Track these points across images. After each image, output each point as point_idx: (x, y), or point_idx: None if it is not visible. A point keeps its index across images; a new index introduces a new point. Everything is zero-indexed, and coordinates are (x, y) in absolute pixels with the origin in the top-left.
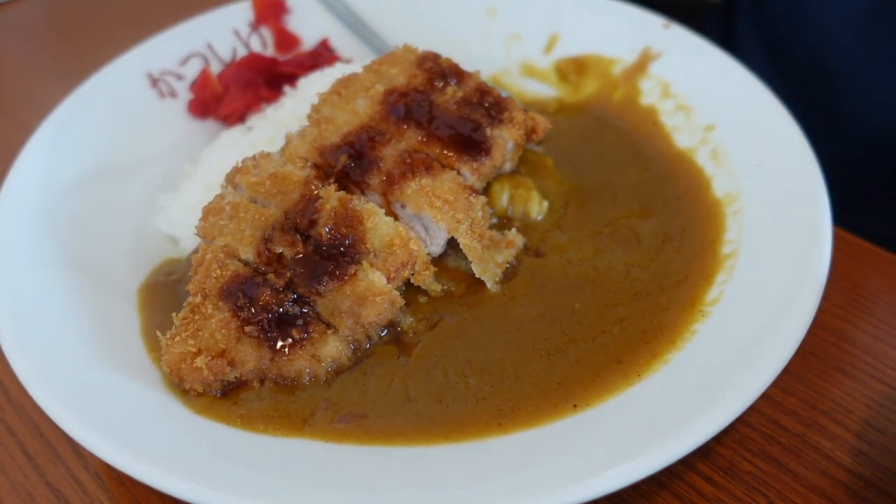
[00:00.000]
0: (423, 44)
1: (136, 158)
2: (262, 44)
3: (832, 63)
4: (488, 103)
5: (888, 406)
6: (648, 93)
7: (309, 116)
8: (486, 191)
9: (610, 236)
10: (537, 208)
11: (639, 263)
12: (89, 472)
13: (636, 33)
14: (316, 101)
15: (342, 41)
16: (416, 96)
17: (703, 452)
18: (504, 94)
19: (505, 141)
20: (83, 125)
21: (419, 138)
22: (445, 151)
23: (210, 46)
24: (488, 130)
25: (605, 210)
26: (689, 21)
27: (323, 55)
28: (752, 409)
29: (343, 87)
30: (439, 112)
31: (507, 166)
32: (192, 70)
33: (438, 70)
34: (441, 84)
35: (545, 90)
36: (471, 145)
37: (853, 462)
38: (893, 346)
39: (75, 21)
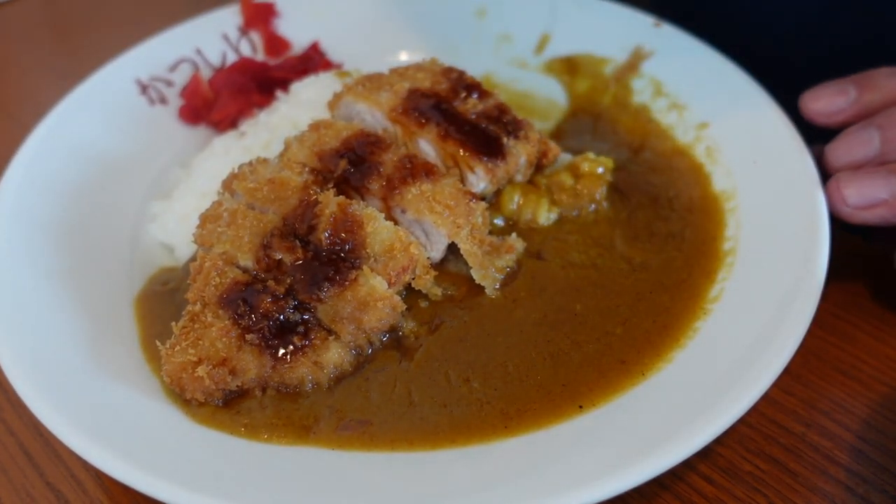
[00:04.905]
0: (415, 45)
1: (127, 166)
2: (252, 48)
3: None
4: (506, 120)
5: (888, 406)
6: (640, 92)
7: (328, 104)
8: (497, 193)
9: (615, 234)
10: (546, 215)
11: (641, 262)
12: (89, 472)
13: (627, 32)
14: (311, 105)
15: (332, 45)
16: (438, 99)
17: (704, 452)
18: None
19: (519, 154)
20: (72, 134)
21: (438, 133)
22: (462, 151)
23: (199, 52)
24: (505, 139)
25: (611, 209)
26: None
27: (314, 59)
28: (752, 409)
29: (368, 81)
30: (459, 116)
31: (518, 178)
32: (182, 76)
33: (463, 82)
34: (464, 95)
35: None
36: (488, 147)
37: (853, 462)
38: (893, 346)
39: (75, 20)
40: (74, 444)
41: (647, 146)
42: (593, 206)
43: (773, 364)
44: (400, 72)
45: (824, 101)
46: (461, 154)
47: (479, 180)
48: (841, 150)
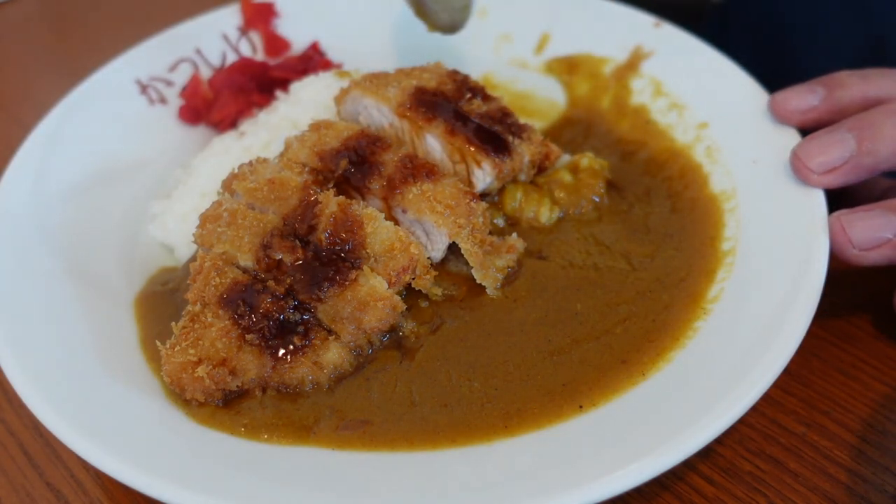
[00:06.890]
0: (414, 45)
1: (127, 167)
2: (252, 48)
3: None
4: (509, 122)
5: (888, 406)
6: (640, 92)
7: (335, 99)
8: (500, 192)
9: (615, 231)
10: (548, 214)
11: (640, 262)
12: (89, 472)
13: (627, 32)
14: (311, 105)
15: (332, 45)
16: (444, 98)
17: (704, 452)
18: None
19: (523, 153)
20: (72, 135)
21: (446, 128)
22: (469, 146)
23: (199, 52)
24: (509, 138)
25: (611, 205)
26: (687, 21)
27: (313, 59)
28: (752, 409)
29: (375, 78)
30: (465, 114)
31: (521, 177)
32: (182, 76)
33: (467, 85)
34: (468, 96)
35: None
36: (495, 143)
37: (853, 462)
38: (893, 346)
39: (74, 20)
40: (74, 444)
41: (647, 146)
42: (596, 199)
43: (773, 364)
44: (406, 72)
45: (796, 100)
46: (469, 149)
47: (486, 175)
48: (814, 150)
